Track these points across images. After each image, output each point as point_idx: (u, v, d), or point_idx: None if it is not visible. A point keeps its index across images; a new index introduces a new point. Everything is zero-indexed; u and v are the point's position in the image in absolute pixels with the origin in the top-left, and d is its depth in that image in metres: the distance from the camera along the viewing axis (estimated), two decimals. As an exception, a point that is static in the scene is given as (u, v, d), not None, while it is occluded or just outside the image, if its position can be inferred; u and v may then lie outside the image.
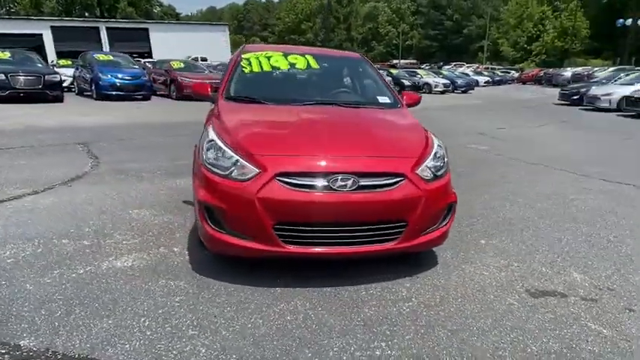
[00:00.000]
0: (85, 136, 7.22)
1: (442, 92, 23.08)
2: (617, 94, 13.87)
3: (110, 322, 2.16)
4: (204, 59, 29.83)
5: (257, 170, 2.34)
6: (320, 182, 2.31)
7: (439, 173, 2.57)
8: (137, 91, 14.07)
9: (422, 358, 1.98)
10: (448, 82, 24.29)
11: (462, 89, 24.59)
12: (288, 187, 2.30)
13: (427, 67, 35.47)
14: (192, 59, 25.45)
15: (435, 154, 2.64)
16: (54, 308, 2.26)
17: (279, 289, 2.50)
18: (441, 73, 27.13)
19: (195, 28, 41.64)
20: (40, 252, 2.92)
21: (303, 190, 2.30)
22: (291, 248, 2.35)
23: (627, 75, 16.65)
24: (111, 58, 15.31)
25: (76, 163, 5.39)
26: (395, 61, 54.08)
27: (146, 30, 37.24)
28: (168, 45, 33.22)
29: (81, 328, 2.11)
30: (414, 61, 56.78)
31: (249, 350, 1.99)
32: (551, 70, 32.37)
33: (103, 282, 2.54)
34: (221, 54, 32.42)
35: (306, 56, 3.71)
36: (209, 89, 3.48)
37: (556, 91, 19.85)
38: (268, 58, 3.61)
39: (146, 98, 14.28)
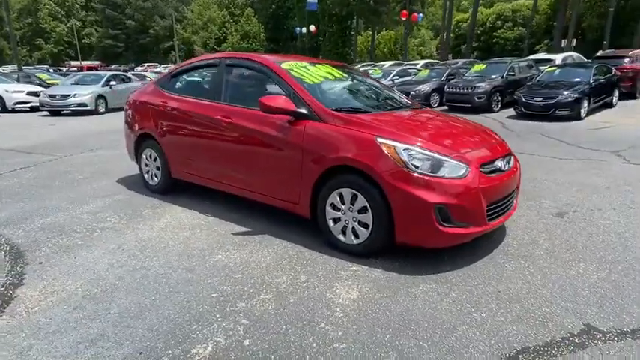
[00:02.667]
0: None
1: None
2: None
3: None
4: None
5: (466, 166, 2.89)
6: (499, 166, 3.16)
7: None
8: None
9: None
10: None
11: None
12: (486, 175, 2.98)
13: (124, 69, 33.54)
14: None
15: None
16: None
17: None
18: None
19: None
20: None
21: (493, 174, 3.05)
22: (492, 224, 3.06)
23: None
24: None
25: None
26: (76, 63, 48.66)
27: None
28: None
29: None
30: (97, 62, 52.85)
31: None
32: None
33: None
34: None
35: (325, 65, 4.31)
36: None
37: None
38: (305, 67, 3.95)
39: None
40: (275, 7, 52.07)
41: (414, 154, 2.89)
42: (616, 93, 12.61)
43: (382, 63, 28.88)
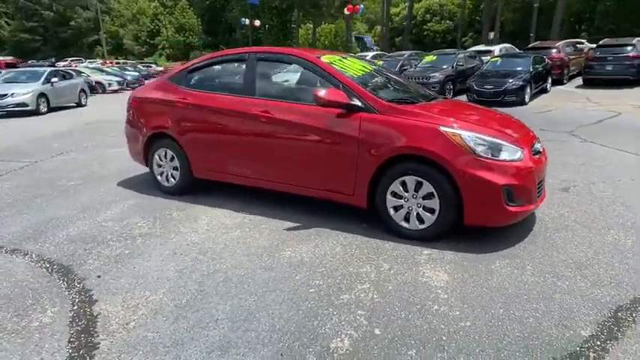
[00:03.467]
0: None
1: (116, 91, 22.10)
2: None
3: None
4: None
5: (521, 149, 3.13)
6: (538, 148, 3.42)
7: None
8: None
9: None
10: (121, 79, 23.35)
11: (134, 85, 24.24)
12: (534, 157, 3.27)
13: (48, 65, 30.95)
14: None
15: None
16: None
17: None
18: (104, 70, 25.37)
19: None
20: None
21: (536, 156, 3.30)
22: (538, 202, 3.32)
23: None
24: None
25: None
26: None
27: None
28: None
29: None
30: (10, 58, 47.77)
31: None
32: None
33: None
34: None
35: (354, 58, 4.37)
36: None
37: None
38: (341, 60, 3.98)
39: None
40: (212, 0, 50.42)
41: (477, 140, 3.06)
42: (549, 80, 13.87)
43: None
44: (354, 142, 3.35)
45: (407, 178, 3.22)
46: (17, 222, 3.96)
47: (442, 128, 3.12)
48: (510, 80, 11.82)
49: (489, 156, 3.03)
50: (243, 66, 4.17)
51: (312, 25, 46.20)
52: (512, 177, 3.02)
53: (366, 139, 3.31)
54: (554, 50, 15.26)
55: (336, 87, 3.50)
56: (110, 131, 8.89)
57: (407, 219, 3.31)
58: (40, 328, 2.33)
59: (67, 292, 2.70)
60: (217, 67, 4.57)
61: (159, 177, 4.70)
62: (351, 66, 3.93)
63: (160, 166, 4.66)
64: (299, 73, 4.04)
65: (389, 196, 3.33)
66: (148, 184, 4.95)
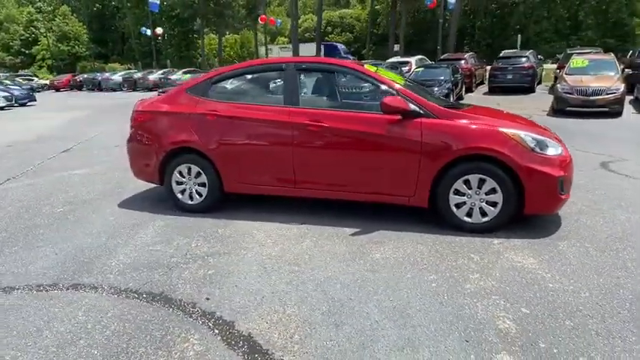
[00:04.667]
0: None
1: (2, 108, 19.30)
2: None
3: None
4: None
5: (560, 146, 3.63)
6: None
7: None
8: None
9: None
10: (8, 94, 20.38)
11: (23, 101, 21.35)
12: None
13: None
14: None
15: None
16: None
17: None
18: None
19: None
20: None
21: None
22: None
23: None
24: None
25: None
26: None
27: None
28: None
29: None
30: None
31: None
32: (99, 74, 32.78)
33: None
34: None
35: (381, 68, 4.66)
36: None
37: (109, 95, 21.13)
38: (381, 70, 4.24)
39: None
40: (100, 7, 46.34)
41: (530, 139, 3.52)
42: (463, 88, 15.66)
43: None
44: (417, 145, 3.60)
45: (470, 177, 3.57)
46: (38, 256, 3.45)
47: (501, 129, 3.53)
48: (436, 89, 13.05)
49: (542, 152, 3.51)
50: (280, 76, 4.17)
51: (215, 35, 45.24)
52: (562, 169, 3.52)
53: (428, 143, 3.58)
54: (462, 61, 17.24)
55: (393, 95, 3.72)
56: (46, 152, 7.91)
57: (469, 214, 3.65)
58: (200, 357, 2.16)
59: (190, 319, 2.50)
60: (247, 77, 4.47)
61: (179, 195, 4.42)
62: (392, 75, 4.19)
63: (180, 183, 4.38)
64: (340, 83, 4.18)
65: (452, 195, 3.64)
66: (155, 203, 4.65)
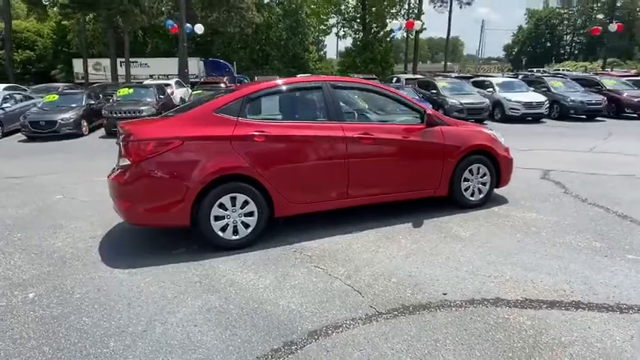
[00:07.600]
0: None
1: None
2: None
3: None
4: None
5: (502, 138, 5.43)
6: None
7: None
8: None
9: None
10: None
11: None
12: None
13: None
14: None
15: None
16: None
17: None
18: None
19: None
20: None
21: None
22: None
23: None
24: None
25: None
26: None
27: None
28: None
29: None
30: None
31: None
32: None
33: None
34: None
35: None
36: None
37: None
38: None
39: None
40: None
41: (499, 135, 5.10)
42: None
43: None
44: (441, 147, 4.53)
45: (473, 166, 4.78)
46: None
47: (486, 131, 5.00)
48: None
49: (502, 143, 5.12)
50: (319, 94, 4.19)
51: None
52: (508, 152, 5.18)
53: (449, 144, 4.57)
54: (222, 84, 18.25)
55: (419, 111, 4.56)
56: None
57: (472, 194, 4.85)
58: None
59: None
60: (283, 96, 4.23)
61: (220, 233, 3.69)
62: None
63: (220, 218, 3.68)
64: (369, 99, 4.60)
65: (462, 182, 4.76)
66: (186, 245, 3.68)
